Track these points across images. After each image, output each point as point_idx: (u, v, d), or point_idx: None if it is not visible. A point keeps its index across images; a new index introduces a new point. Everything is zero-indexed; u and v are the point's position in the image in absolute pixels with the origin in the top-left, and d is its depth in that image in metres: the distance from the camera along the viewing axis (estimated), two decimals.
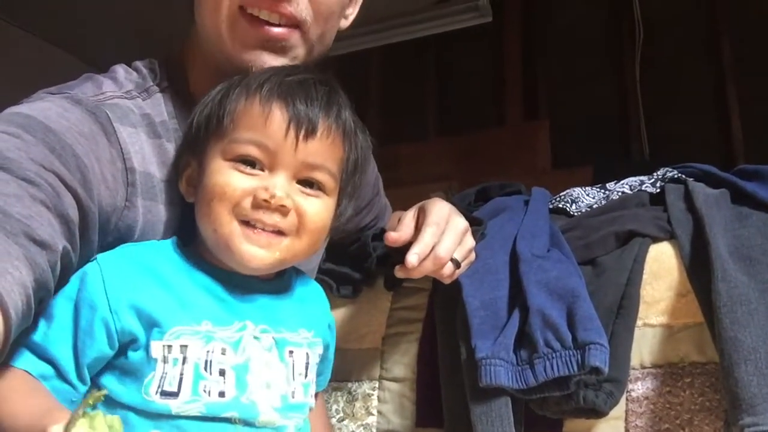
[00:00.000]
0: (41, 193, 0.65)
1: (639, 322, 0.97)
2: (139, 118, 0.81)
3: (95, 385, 0.69)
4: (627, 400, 0.96)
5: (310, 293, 0.88)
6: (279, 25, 0.81)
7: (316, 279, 1.15)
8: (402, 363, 1.10)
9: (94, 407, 0.54)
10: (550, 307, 0.93)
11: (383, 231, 1.18)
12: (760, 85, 2.55)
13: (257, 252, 0.73)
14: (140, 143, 0.80)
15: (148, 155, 0.81)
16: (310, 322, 0.83)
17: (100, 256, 0.71)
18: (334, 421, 1.13)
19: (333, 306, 1.18)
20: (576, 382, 0.90)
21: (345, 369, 1.14)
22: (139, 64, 0.90)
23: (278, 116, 0.73)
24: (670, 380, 0.95)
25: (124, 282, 0.69)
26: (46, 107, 0.74)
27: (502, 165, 2.93)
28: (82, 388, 0.68)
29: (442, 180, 3.06)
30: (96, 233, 0.74)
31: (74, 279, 0.70)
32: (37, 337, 0.67)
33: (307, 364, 0.80)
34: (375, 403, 1.11)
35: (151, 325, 0.69)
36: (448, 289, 0.99)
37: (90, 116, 0.76)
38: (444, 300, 1.05)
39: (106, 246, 0.76)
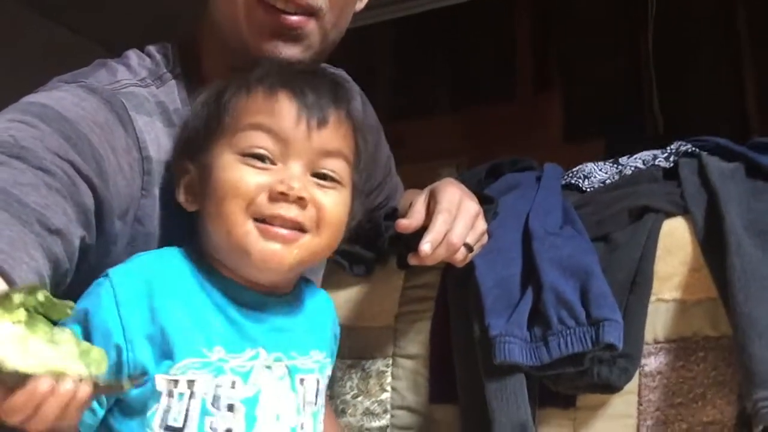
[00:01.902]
0: (57, 182, 0.65)
1: (652, 298, 0.97)
2: (154, 106, 0.81)
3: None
4: (640, 374, 0.96)
5: (320, 304, 0.83)
6: (295, 14, 0.80)
7: (329, 259, 1.16)
8: (415, 340, 1.11)
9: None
10: (563, 284, 0.93)
11: (395, 210, 1.18)
12: None
13: (276, 250, 0.67)
14: (156, 132, 0.80)
15: (164, 144, 0.80)
16: (321, 340, 0.79)
17: (112, 273, 0.67)
18: (348, 397, 1.15)
19: (346, 285, 1.20)
20: (590, 358, 0.90)
21: (359, 347, 1.15)
22: (152, 49, 0.88)
23: (287, 104, 0.70)
24: (684, 355, 0.95)
25: (138, 307, 0.65)
26: (61, 96, 0.73)
27: (513, 140, 2.91)
28: (101, 411, 0.65)
29: (452, 156, 3.05)
30: (113, 223, 0.74)
31: (85, 298, 0.67)
32: None
33: (318, 390, 0.76)
34: (389, 379, 1.12)
35: (163, 355, 0.65)
36: (461, 267, 0.99)
37: (106, 105, 0.75)
38: (457, 278, 1.05)
39: (128, 237, 0.76)
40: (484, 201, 1.04)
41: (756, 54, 2.56)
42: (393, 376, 1.11)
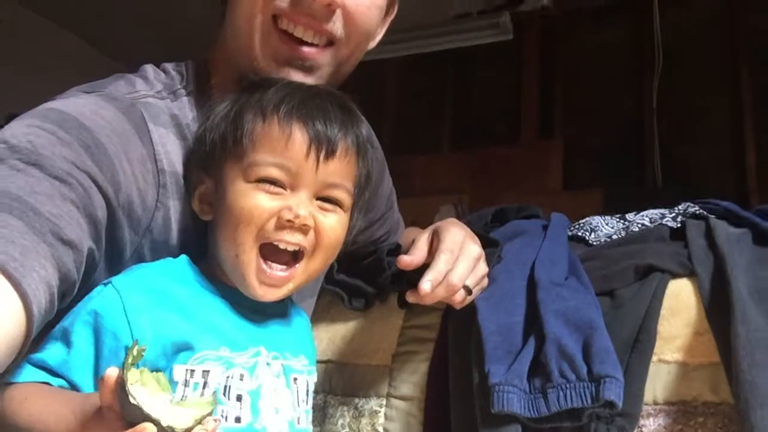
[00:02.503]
0: (72, 193, 0.65)
1: (654, 358, 0.96)
2: (168, 119, 0.82)
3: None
4: None
5: (303, 323, 0.89)
6: (311, 44, 0.82)
7: (328, 290, 1.15)
8: (411, 382, 1.09)
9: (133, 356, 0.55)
10: (566, 337, 0.92)
11: (398, 247, 1.18)
12: None
13: (268, 291, 0.75)
14: (170, 144, 0.80)
15: (176, 156, 0.81)
16: (307, 348, 0.85)
17: (115, 281, 0.71)
18: None
19: (344, 319, 1.19)
20: (589, 414, 0.89)
21: (353, 384, 1.13)
22: (167, 66, 0.90)
23: (299, 138, 0.74)
24: (683, 418, 0.94)
25: (145, 312, 0.69)
26: (81, 104, 0.74)
27: (514, 182, 2.94)
28: None
29: (454, 193, 3.06)
30: (125, 234, 0.74)
31: (90, 303, 0.69)
32: (53, 361, 0.67)
33: (308, 391, 0.82)
34: (381, 420, 1.10)
35: (174, 352, 0.69)
36: (463, 310, 0.98)
37: (124, 115, 0.76)
38: (458, 321, 1.05)
39: (137, 247, 0.76)
40: (489, 244, 1.04)
41: (758, 114, 2.60)
42: (386, 417, 1.10)
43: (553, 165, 2.87)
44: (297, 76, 0.82)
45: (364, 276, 1.17)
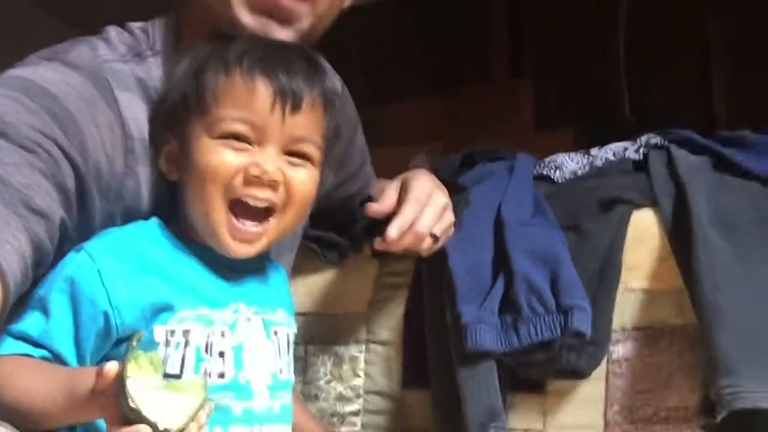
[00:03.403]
0: (40, 162, 0.65)
1: (621, 287, 0.99)
2: (134, 83, 0.80)
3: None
4: (608, 361, 0.98)
5: (280, 275, 0.89)
6: None
7: (302, 245, 1.16)
8: (388, 326, 1.12)
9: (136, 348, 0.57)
10: (534, 272, 0.95)
11: (370, 198, 1.19)
12: (746, 53, 2.56)
13: (240, 247, 0.74)
14: (137, 109, 0.79)
15: (143, 121, 0.80)
16: (285, 301, 0.85)
17: (88, 247, 0.70)
18: (321, 383, 1.16)
19: (319, 271, 1.21)
20: (559, 345, 0.92)
21: (331, 333, 1.16)
22: (132, 26, 0.87)
23: (263, 91, 0.72)
24: (650, 342, 0.98)
25: (121, 276, 0.69)
26: (44, 71, 0.73)
27: (485, 125, 2.93)
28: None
29: (426, 140, 3.05)
30: (94, 200, 0.73)
31: (64, 270, 0.69)
32: (34, 331, 0.67)
33: (288, 342, 0.82)
34: (362, 365, 1.13)
35: (154, 314, 0.69)
36: (435, 255, 1.00)
37: (90, 81, 0.75)
38: (430, 265, 1.07)
39: (108, 213, 0.76)
40: (457, 190, 1.05)
41: (723, 54, 2.61)
42: (366, 362, 1.13)
43: (524, 106, 2.86)
44: (277, 29, 0.80)
45: (337, 228, 1.18)
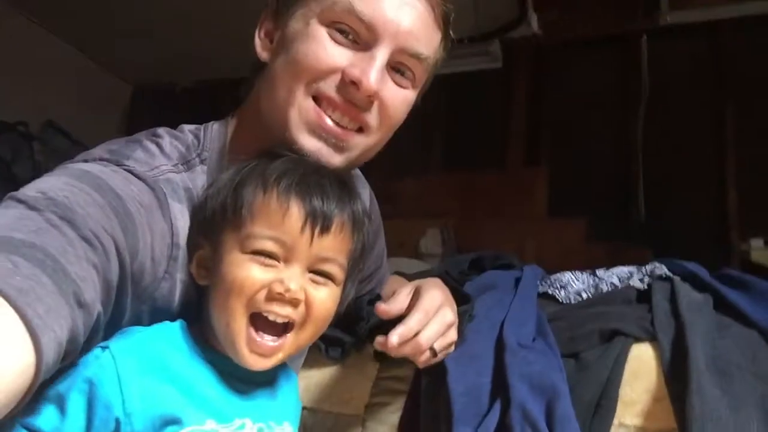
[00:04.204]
0: (96, 257, 0.67)
1: (615, 421, 1.00)
2: (183, 193, 0.84)
3: None
4: None
5: (290, 383, 0.90)
6: (347, 127, 0.84)
7: None
8: None
9: None
10: (531, 402, 0.96)
11: (378, 297, 1.21)
12: (759, 157, 2.60)
13: (257, 360, 0.76)
14: (185, 219, 0.83)
15: (186, 232, 0.83)
16: (291, 414, 0.87)
17: (113, 347, 0.72)
18: None
19: (320, 366, 1.22)
20: None
21: (325, 430, 1.17)
22: (185, 129, 0.92)
23: (296, 212, 0.76)
24: None
25: (138, 383, 0.71)
26: (111, 173, 0.77)
27: (500, 208, 2.97)
28: None
29: (440, 216, 3.09)
30: (128, 300, 0.76)
31: (87, 369, 0.71)
32: (47, 426, 0.69)
33: None
34: None
35: (163, 425, 0.71)
36: (436, 369, 1.02)
37: (148, 189, 0.79)
38: (430, 377, 1.08)
39: (141, 314, 0.79)
40: (463, 300, 1.08)
41: (739, 153, 2.65)
42: None
43: (538, 192, 2.90)
44: (328, 154, 0.84)
45: (343, 326, 1.20)
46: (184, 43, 3.46)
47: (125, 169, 0.79)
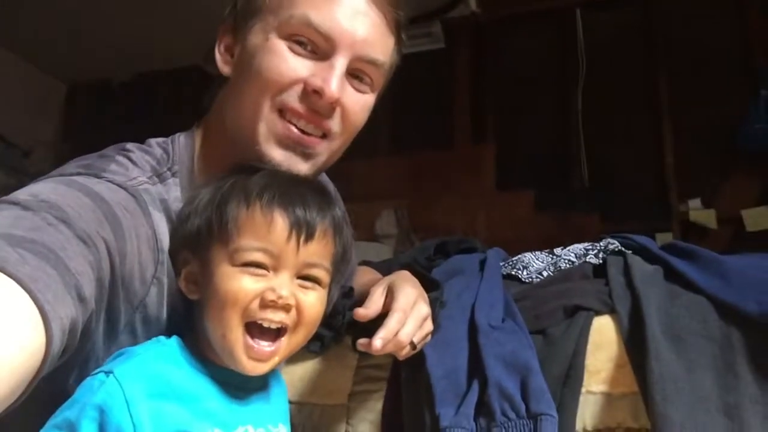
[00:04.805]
0: (90, 255, 0.70)
1: (583, 390, 1.08)
2: (159, 204, 0.88)
3: None
4: None
5: (280, 385, 0.95)
6: (312, 134, 0.89)
7: None
8: (368, 420, 1.19)
9: None
10: (506, 379, 1.03)
11: (351, 290, 1.26)
12: (693, 121, 2.74)
13: (256, 366, 0.81)
14: (162, 227, 0.87)
15: (166, 238, 0.87)
16: (284, 415, 0.93)
17: (117, 373, 0.74)
18: None
19: (301, 360, 1.27)
20: None
21: (311, 424, 1.22)
22: (153, 143, 0.95)
23: (280, 223, 0.80)
24: None
25: (146, 405, 0.74)
26: (94, 182, 0.80)
27: (450, 185, 3.05)
28: None
29: (393, 197, 3.15)
30: (120, 303, 0.80)
31: (95, 396, 0.73)
32: None
33: None
34: None
35: None
36: (412, 357, 1.08)
37: (131, 196, 0.83)
38: (409, 364, 1.14)
39: (134, 323, 0.83)
40: (433, 286, 1.14)
41: (674, 118, 2.79)
42: None
43: (486, 168, 2.99)
44: (298, 162, 0.89)
45: (322, 320, 1.24)
46: (117, 36, 3.39)
47: (106, 180, 0.82)
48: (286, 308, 0.80)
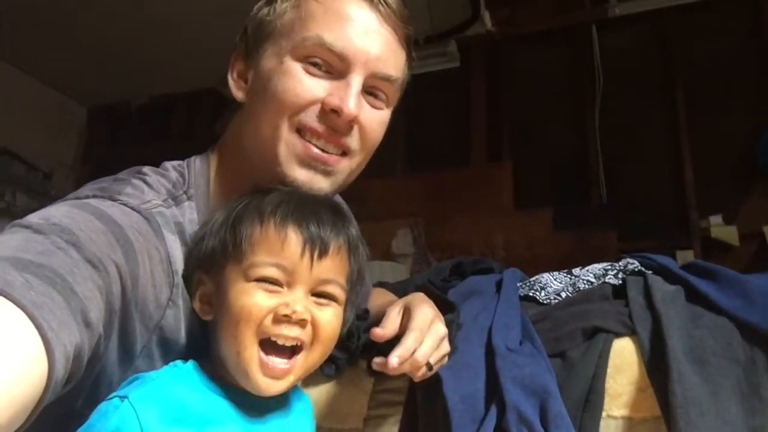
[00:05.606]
0: (100, 279, 0.70)
1: (603, 414, 1.06)
2: (174, 227, 0.88)
3: None
4: None
5: (303, 406, 0.93)
6: (331, 153, 0.90)
7: None
8: None
9: None
10: (524, 404, 1.01)
11: (366, 312, 1.25)
12: (712, 135, 2.71)
13: (271, 384, 0.79)
14: (177, 250, 0.87)
15: (181, 261, 0.87)
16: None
17: (132, 398, 0.74)
18: None
19: (316, 383, 1.25)
20: None
21: None
22: (168, 166, 0.96)
23: (294, 239, 0.80)
24: None
25: (161, 431, 0.73)
26: (108, 205, 0.80)
27: (466, 204, 3.03)
28: None
29: (409, 216, 3.14)
30: (136, 326, 0.79)
31: (109, 421, 0.72)
32: None
33: None
34: None
35: None
36: (429, 380, 1.06)
37: (145, 220, 0.83)
38: (425, 387, 1.12)
39: (151, 347, 0.82)
40: (448, 308, 1.12)
41: (692, 133, 2.76)
42: None
43: (503, 186, 2.97)
44: (318, 180, 0.90)
45: (336, 343, 1.23)
46: (136, 59, 3.44)
47: (120, 203, 0.83)
48: (301, 324, 0.79)
